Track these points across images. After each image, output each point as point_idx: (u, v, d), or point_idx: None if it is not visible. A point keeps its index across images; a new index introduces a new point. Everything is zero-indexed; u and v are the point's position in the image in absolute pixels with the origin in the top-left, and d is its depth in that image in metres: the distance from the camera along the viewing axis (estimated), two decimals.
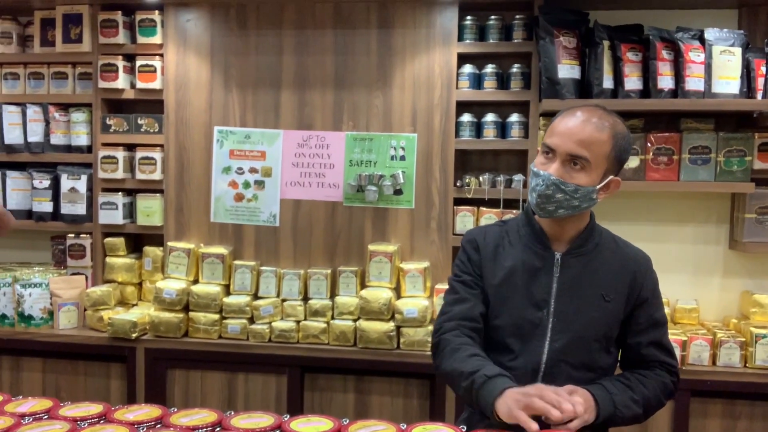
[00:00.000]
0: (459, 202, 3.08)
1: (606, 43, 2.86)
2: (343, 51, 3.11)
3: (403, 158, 3.08)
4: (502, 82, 3.06)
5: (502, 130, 3.06)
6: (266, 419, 1.62)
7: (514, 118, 3.03)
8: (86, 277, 3.31)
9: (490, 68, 3.03)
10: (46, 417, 1.63)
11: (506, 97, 3.02)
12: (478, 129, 3.07)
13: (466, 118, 3.06)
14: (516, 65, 3.02)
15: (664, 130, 2.94)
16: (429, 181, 3.07)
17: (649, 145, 2.91)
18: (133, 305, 3.29)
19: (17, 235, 3.57)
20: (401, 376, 2.93)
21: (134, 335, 3.01)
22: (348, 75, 3.11)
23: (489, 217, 3.02)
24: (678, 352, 2.71)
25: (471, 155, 3.18)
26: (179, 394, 3.07)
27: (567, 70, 2.84)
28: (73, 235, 3.32)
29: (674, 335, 2.74)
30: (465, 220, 3.04)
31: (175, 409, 1.70)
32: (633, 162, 2.91)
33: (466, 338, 1.76)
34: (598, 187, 1.68)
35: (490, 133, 3.04)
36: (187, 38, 3.20)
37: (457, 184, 3.06)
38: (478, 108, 3.11)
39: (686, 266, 3.13)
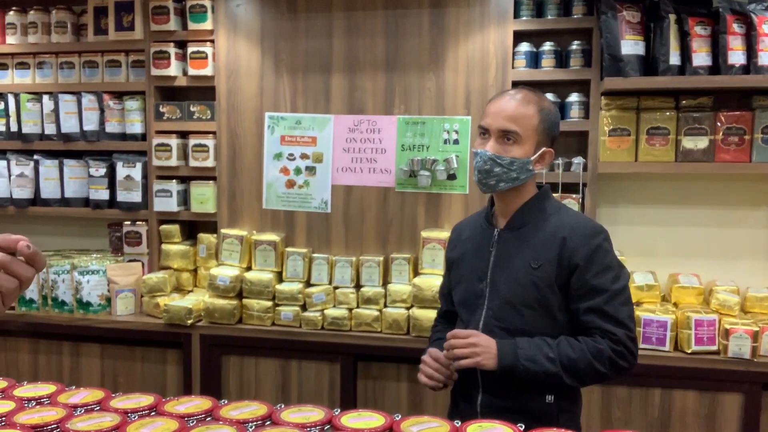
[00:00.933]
0: None
1: (672, 17, 2.70)
2: (394, 32, 3.03)
3: (456, 142, 2.99)
4: (561, 60, 2.93)
5: (561, 110, 2.93)
6: (316, 413, 1.58)
7: (574, 97, 2.90)
8: (143, 264, 3.34)
9: (548, 46, 2.91)
10: (97, 408, 1.62)
11: (565, 76, 2.89)
12: None
13: None
14: (576, 42, 2.88)
15: (734, 109, 2.78)
16: None
17: (718, 124, 2.74)
18: (189, 292, 3.31)
19: (75, 223, 3.63)
20: None
21: (189, 322, 3.02)
22: (399, 57, 3.03)
23: None
24: (748, 344, 2.56)
25: None
26: (234, 380, 3.07)
27: (631, 46, 2.69)
28: (129, 223, 3.36)
29: (745, 325, 2.59)
30: None
31: (226, 401, 1.68)
32: (701, 142, 2.75)
33: (435, 328, 2.16)
34: (533, 158, 1.82)
35: None
36: (237, 23, 3.17)
37: None
38: (535, 88, 2.97)
39: (758, 253, 2.95)
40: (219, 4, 3.17)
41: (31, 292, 3.23)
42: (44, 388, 1.74)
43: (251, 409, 1.62)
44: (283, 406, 1.64)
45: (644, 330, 2.71)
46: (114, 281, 3.22)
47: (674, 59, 2.70)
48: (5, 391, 1.72)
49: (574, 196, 2.89)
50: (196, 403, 1.65)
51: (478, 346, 1.76)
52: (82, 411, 1.60)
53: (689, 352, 2.65)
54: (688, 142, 2.77)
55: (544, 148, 1.85)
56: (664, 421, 2.69)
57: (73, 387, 1.76)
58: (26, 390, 1.73)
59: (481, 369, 1.79)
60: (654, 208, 3.04)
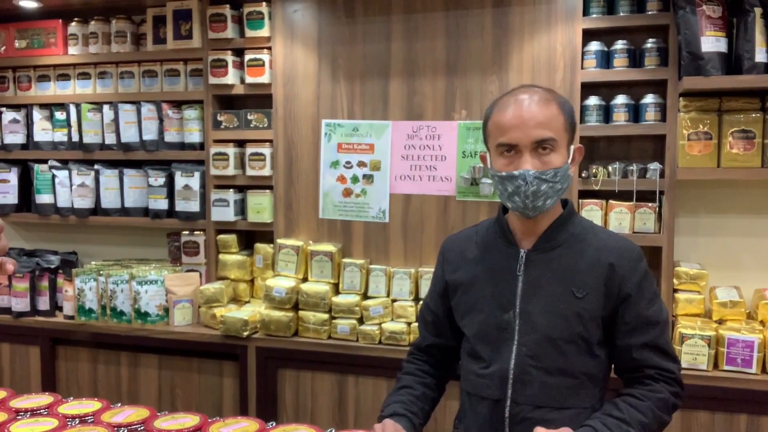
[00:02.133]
0: (585, 195, 2.80)
1: (758, 11, 2.48)
2: (455, 34, 2.90)
3: None
4: (635, 59, 2.74)
5: (635, 113, 2.74)
6: None
7: (649, 99, 2.70)
8: (200, 274, 3.31)
9: (620, 44, 2.72)
10: (141, 429, 1.55)
11: (639, 76, 2.70)
12: (606, 113, 2.77)
13: (593, 101, 2.76)
14: (650, 40, 2.69)
15: None
16: None
17: None
18: (246, 302, 3.26)
19: (135, 232, 3.64)
20: None
21: (245, 333, 2.96)
22: (460, 60, 2.90)
23: (620, 210, 2.72)
24: None
25: (598, 142, 2.88)
26: (290, 395, 2.99)
27: (712, 42, 2.49)
28: (187, 232, 3.34)
29: None
30: (592, 215, 2.75)
31: (274, 424, 1.58)
32: None
33: (410, 366, 1.84)
34: (570, 161, 1.60)
35: (620, 117, 2.73)
36: (294, 29, 3.11)
37: (583, 174, 2.78)
38: (606, 89, 2.80)
39: None
40: (276, 10, 3.11)
41: (91, 301, 3.24)
42: (89, 405, 1.68)
43: None
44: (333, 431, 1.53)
45: (728, 350, 2.49)
46: (172, 291, 3.19)
47: (760, 56, 2.48)
48: (50, 408, 1.67)
49: (650, 205, 2.70)
50: (243, 425, 1.56)
51: None
52: (125, 431, 1.52)
53: None
54: None
55: (573, 147, 1.62)
56: None
57: (119, 404, 1.69)
58: (71, 407, 1.67)
59: None
60: (738, 218, 2.81)
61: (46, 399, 1.72)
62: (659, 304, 1.63)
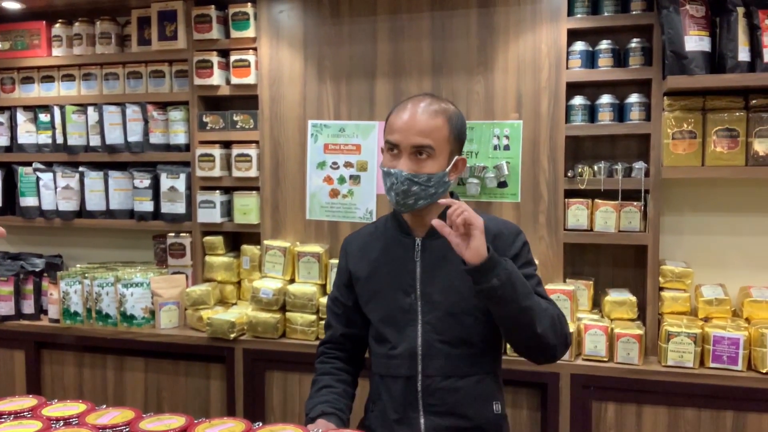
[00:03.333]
0: (571, 194, 2.81)
1: (740, 10, 2.50)
2: (440, 34, 2.91)
3: (507, 148, 2.84)
4: (619, 59, 2.75)
5: (620, 112, 2.75)
6: None
7: (634, 98, 2.72)
8: (186, 276, 3.29)
9: (604, 44, 2.74)
10: (126, 430, 1.54)
11: (624, 75, 2.71)
12: (591, 113, 2.78)
13: (578, 101, 2.78)
14: (635, 40, 2.71)
15: None
16: (536, 171, 2.81)
17: None
18: (233, 304, 3.24)
19: (120, 235, 3.61)
20: (509, 385, 2.69)
21: (232, 335, 2.95)
22: (446, 60, 2.90)
23: (605, 210, 2.73)
24: None
25: (584, 142, 2.90)
26: (278, 396, 2.98)
27: (695, 42, 2.50)
28: (173, 234, 3.31)
29: None
30: (578, 214, 2.76)
31: (260, 424, 1.57)
32: None
33: (326, 365, 1.95)
34: (448, 169, 1.76)
35: (605, 116, 2.75)
36: (280, 30, 3.10)
37: (569, 174, 2.79)
38: (591, 89, 2.82)
39: None
40: (261, 11, 3.10)
41: (76, 304, 3.21)
42: (74, 407, 1.66)
43: None
44: (321, 430, 1.53)
45: (714, 348, 2.51)
46: (158, 294, 3.17)
47: (743, 55, 2.50)
48: (34, 410, 1.65)
49: (635, 203, 2.71)
50: (229, 426, 1.54)
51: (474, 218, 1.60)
52: None
53: (764, 371, 2.44)
54: (760, 145, 2.56)
55: (456, 157, 1.79)
56: None
57: (104, 406, 1.68)
58: (55, 409, 1.65)
59: (465, 245, 1.59)
60: (723, 216, 2.83)
61: (29, 402, 1.70)
62: (533, 267, 1.83)
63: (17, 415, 1.62)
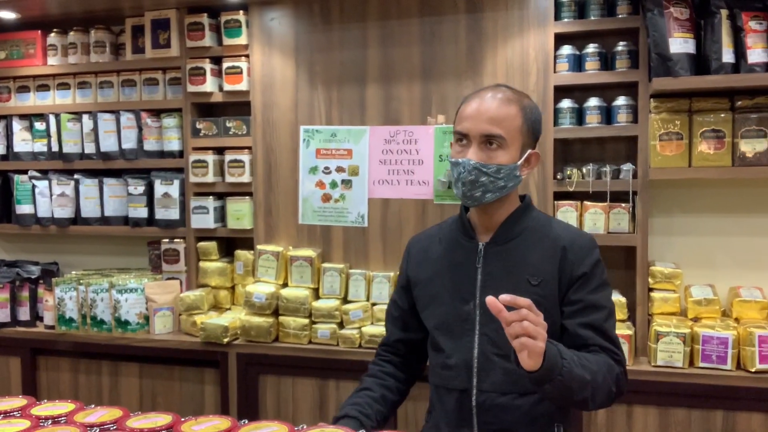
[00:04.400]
0: (560, 196, 2.83)
1: (724, 12, 2.54)
2: (430, 40, 2.94)
3: None
4: (606, 62, 2.78)
5: (608, 115, 2.78)
6: None
7: (621, 101, 2.74)
8: (181, 282, 3.31)
9: (591, 48, 2.77)
10: (113, 428, 1.55)
11: (611, 78, 2.74)
12: (579, 115, 2.81)
13: (566, 104, 2.80)
14: (621, 43, 2.74)
15: None
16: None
17: None
18: (227, 309, 3.26)
19: (115, 241, 3.64)
20: None
21: (226, 340, 2.96)
22: (435, 65, 2.94)
23: (594, 211, 2.75)
24: None
25: (572, 145, 2.92)
26: (271, 399, 2.99)
27: (680, 44, 2.54)
28: (167, 240, 3.34)
29: None
30: (567, 216, 2.78)
31: (246, 421, 1.58)
32: (760, 145, 2.56)
33: (375, 368, 1.88)
34: (519, 162, 1.66)
35: (593, 119, 2.77)
36: (271, 37, 3.13)
37: (557, 176, 2.81)
38: (579, 92, 2.84)
39: None
40: (253, 18, 3.14)
41: (71, 311, 3.23)
42: (62, 407, 1.68)
43: (270, 430, 1.52)
44: (304, 427, 1.54)
45: (703, 347, 2.52)
46: (152, 299, 3.19)
47: (727, 57, 2.53)
48: (23, 410, 1.67)
49: (623, 205, 2.73)
50: (214, 423, 1.56)
51: (539, 326, 1.37)
52: (97, 431, 1.53)
53: (753, 370, 2.45)
54: (746, 145, 2.58)
55: (529, 151, 1.68)
56: None
57: (93, 405, 1.70)
58: (44, 409, 1.67)
59: (522, 364, 1.40)
60: (711, 217, 2.85)
61: (19, 402, 1.72)
62: (608, 292, 1.69)
63: (7, 414, 1.64)
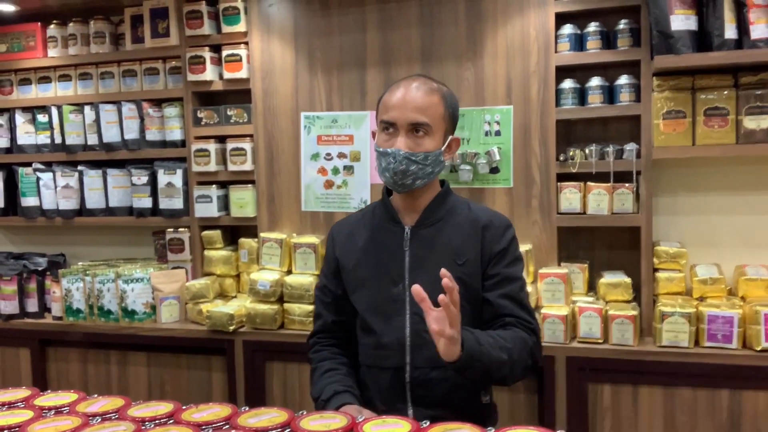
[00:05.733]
0: (563, 177, 2.81)
1: None
2: (429, 22, 2.91)
3: (498, 133, 2.84)
4: (608, 41, 2.75)
5: (610, 95, 2.75)
6: (338, 420, 1.48)
7: (624, 80, 2.71)
8: (186, 271, 3.32)
9: (593, 27, 2.73)
10: (115, 417, 1.57)
11: (613, 57, 2.71)
12: (581, 96, 2.78)
13: (568, 84, 2.78)
14: (622, 21, 2.70)
15: None
16: (528, 156, 2.82)
17: None
18: (233, 297, 3.27)
19: (121, 232, 3.65)
20: None
21: (231, 328, 2.98)
22: (435, 47, 2.91)
23: (598, 192, 2.73)
24: None
25: (575, 125, 2.90)
26: (278, 386, 3.01)
27: (681, 21, 2.50)
28: (171, 230, 3.35)
29: None
30: (571, 198, 2.76)
31: (246, 408, 1.59)
32: (764, 122, 2.52)
33: (322, 352, 1.92)
34: (443, 148, 1.76)
35: (596, 99, 2.75)
36: (270, 24, 3.12)
37: (560, 158, 2.79)
38: (581, 72, 2.81)
39: None
40: (251, 5, 3.12)
41: (78, 302, 3.25)
42: (66, 397, 1.70)
43: (270, 416, 1.53)
44: (304, 413, 1.55)
45: (709, 327, 2.50)
46: (158, 289, 3.20)
47: (730, 33, 2.49)
48: (27, 401, 1.68)
49: (627, 185, 2.71)
50: (215, 411, 1.57)
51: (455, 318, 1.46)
52: (99, 419, 1.54)
53: (759, 349, 2.43)
54: (750, 122, 2.55)
55: (450, 137, 1.79)
56: (735, 425, 2.47)
57: (96, 395, 1.71)
58: (47, 399, 1.69)
59: (443, 356, 1.50)
60: (716, 196, 2.82)
61: (23, 392, 1.73)
62: (520, 266, 1.83)
63: (10, 405, 1.66)
